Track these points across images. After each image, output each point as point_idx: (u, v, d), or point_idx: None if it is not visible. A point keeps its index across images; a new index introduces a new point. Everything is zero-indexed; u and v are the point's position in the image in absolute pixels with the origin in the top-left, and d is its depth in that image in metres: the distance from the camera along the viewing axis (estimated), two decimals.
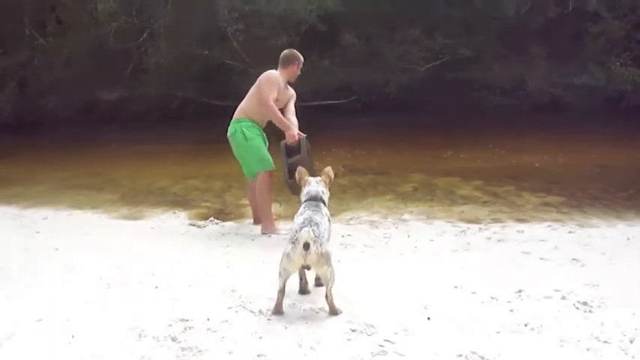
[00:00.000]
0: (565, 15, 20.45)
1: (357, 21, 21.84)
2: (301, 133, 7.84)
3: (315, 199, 5.40)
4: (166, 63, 22.09)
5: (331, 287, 4.72)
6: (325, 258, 4.67)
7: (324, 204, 5.45)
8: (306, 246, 4.59)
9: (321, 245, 4.67)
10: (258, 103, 7.78)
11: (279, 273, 4.77)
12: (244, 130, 7.80)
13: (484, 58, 21.39)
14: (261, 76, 7.88)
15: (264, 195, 7.85)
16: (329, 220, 5.30)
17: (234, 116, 7.98)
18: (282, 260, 4.77)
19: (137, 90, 22.89)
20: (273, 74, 7.85)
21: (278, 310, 4.76)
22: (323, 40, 21.56)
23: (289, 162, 7.58)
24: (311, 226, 4.75)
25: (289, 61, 8.00)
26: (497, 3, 20.80)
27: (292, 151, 7.73)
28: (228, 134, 7.93)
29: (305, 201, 5.40)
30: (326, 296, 4.73)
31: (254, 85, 7.94)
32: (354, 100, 21.29)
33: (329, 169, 5.85)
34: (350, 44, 21.72)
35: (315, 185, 5.56)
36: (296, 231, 4.76)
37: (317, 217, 4.94)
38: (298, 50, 8.14)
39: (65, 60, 23.37)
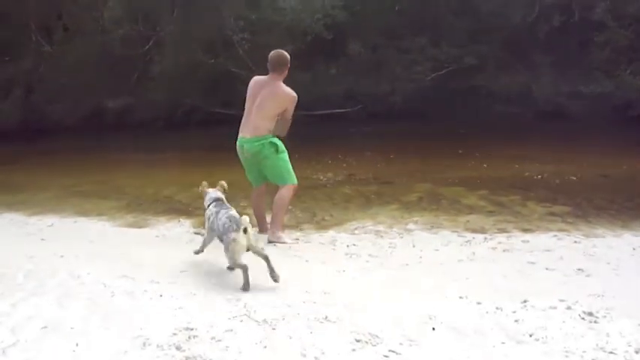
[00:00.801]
0: (570, 24, 20.45)
1: (363, 30, 21.88)
2: None
3: (219, 199, 6.71)
4: (172, 70, 22.13)
5: (269, 260, 5.88)
6: (258, 236, 6.49)
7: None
8: (245, 230, 5.82)
9: (252, 227, 6.10)
10: (275, 119, 7.90)
11: (232, 259, 5.91)
12: (275, 142, 7.88)
13: (490, 67, 21.41)
14: (290, 98, 7.91)
15: (284, 205, 7.99)
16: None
17: (254, 134, 7.90)
18: (229, 248, 5.90)
19: (143, 97, 22.96)
20: (296, 96, 7.93)
21: (246, 288, 5.67)
22: (329, 49, 21.61)
23: None
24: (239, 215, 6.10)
25: (285, 65, 8.00)
26: (502, 12, 20.82)
27: None
28: (252, 152, 7.93)
29: (212, 202, 6.70)
30: (267, 257, 5.88)
31: (274, 101, 7.90)
32: (360, 109, 21.29)
33: (223, 182, 7.08)
34: (356, 53, 21.76)
35: (213, 192, 6.86)
36: (230, 224, 5.97)
37: (235, 212, 6.28)
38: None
39: (71, 67, 23.40)
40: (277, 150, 7.85)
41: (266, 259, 5.84)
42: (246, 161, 8.07)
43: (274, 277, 5.73)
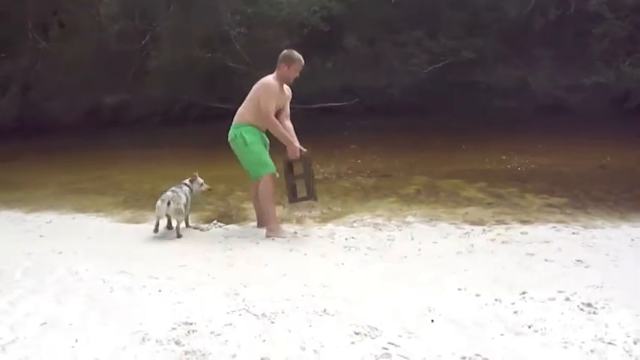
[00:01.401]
0: (567, 16, 20.44)
1: (360, 24, 21.87)
2: (302, 149, 7.97)
3: (183, 183, 8.37)
4: (169, 66, 22.11)
5: (179, 225, 8.02)
6: (178, 211, 7.90)
7: (187, 186, 8.38)
8: (169, 203, 7.80)
9: (177, 204, 7.85)
10: (258, 111, 7.82)
11: (156, 216, 8.03)
12: (244, 134, 7.80)
13: (487, 60, 21.41)
14: (260, 86, 7.87)
15: (268, 198, 7.87)
16: (186, 194, 8.18)
17: (234, 121, 7.98)
18: (156, 210, 7.94)
19: (140, 93, 22.91)
20: (271, 85, 7.82)
21: (156, 230, 8.07)
22: (326, 43, 21.59)
23: (293, 182, 8.15)
24: (173, 192, 7.95)
25: (282, 61, 7.96)
26: (499, 5, 20.82)
27: (294, 166, 8.14)
28: (229, 139, 7.96)
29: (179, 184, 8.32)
30: (177, 227, 8.02)
31: (252, 92, 7.93)
32: (357, 102, 21.28)
33: (195, 173, 8.65)
34: (353, 47, 21.76)
35: (187, 180, 8.51)
36: (163, 194, 7.93)
37: (178, 190, 8.07)
38: (302, 53, 8.08)
39: (68, 64, 23.38)
40: (245, 142, 7.82)
41: (169, 224, 8.15)
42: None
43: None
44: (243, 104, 8.01)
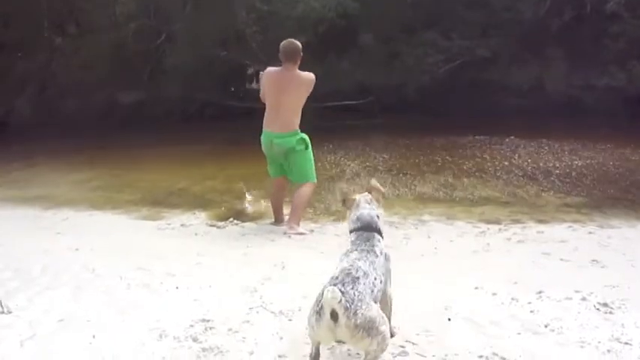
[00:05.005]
0: (583, 16, 20.35)
1: (375, 23, 21.82)
2: None
3: (369, 228, 4.22)
4: (185, 64, 22.09)
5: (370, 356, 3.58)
6: (365, 329, 3.44)
7: (380, 234, 4.30)
8: (334, 316, 3.41)
9: (355, 314, 3.42)
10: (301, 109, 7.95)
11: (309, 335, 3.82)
12: (306, 140, 7.93)
13: (502, 60, 21.32)
14: (310, 83, 7.92)
15: (305, 202, 8.09)
16: (386, 258, 4.22)
17: (284, 130, 7.88)
18: (308, 328, 3.74)
19: (156, 92, 22.91)
20: (314, 76, 7.96)
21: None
22: (341, 41, 21.56)
23: None
24: (343, 284, 3.57)
25: (300, 53, 7.97)
26: (514, 4, 20.75)
27: None
28: (287, 147, 7.90)
29: (355, 230, 4.24)
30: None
31: (299, 95, 7.91)
32: (372, 101, 21.22)
33: (376, 184, 4.57)
34: (368, 46, 21.70)
35: (367, 208, 4.33)
36: (322, 291, 3.56)
37: (361, 266, 3.79)
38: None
39: (84, 62, 23.41)
40: (307, 147, 7.90)
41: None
42: (272, 155, 8.06)
43: None
44: (289, 110, 7.90)
